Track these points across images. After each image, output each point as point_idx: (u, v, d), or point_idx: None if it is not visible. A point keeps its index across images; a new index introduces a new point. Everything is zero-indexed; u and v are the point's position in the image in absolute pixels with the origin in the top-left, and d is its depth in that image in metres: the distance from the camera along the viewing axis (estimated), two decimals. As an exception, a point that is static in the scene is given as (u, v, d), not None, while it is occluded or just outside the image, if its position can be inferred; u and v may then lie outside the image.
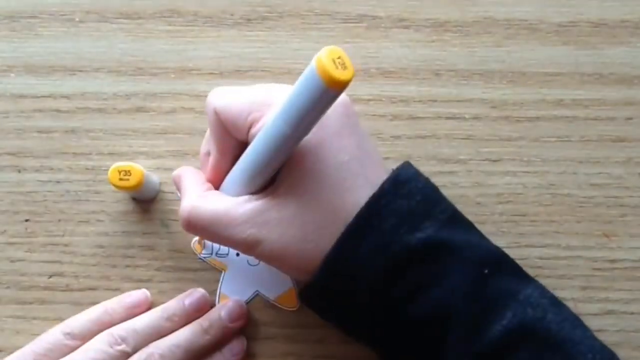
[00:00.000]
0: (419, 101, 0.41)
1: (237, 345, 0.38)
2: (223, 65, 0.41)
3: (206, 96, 0.33)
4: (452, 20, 0.41)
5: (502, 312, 0.30)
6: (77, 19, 0.42)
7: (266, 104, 0.31)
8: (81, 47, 0.41)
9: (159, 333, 0.36)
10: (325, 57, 0.26)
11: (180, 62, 0.41)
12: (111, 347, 0.35)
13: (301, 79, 0.27)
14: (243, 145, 0.32)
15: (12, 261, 0.40)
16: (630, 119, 0.40)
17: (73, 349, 0.36)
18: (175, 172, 0.36)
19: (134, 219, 0.40)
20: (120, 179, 0.37)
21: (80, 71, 0.41)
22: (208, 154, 0.35)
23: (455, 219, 0.32)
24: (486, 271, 0.31)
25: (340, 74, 0.26)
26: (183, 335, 0.36)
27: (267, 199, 0.31)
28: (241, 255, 0.39)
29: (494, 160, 0.40)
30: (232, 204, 0.32)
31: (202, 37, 0.41)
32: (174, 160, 0.40)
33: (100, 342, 0.35)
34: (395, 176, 0.31)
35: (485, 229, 0.34)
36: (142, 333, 0.36)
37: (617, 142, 0.40)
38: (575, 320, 0.31)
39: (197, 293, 0.38)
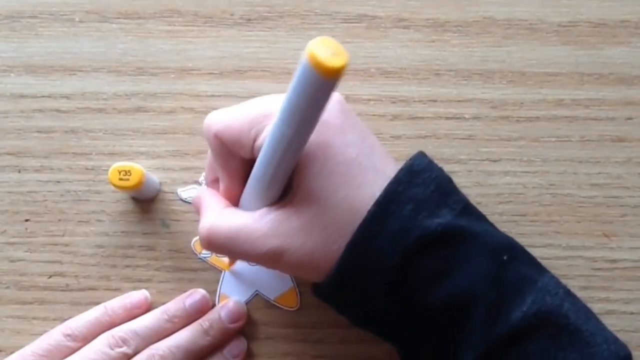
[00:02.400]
0: (419, 101, 0.41)
1: (237, 347, 0.38)
2: (223, 65, 0.41)
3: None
4: (452, 20, 0.41)
5: (522, 298, 0.30)
6: (77, 19, 0.41)
7: (265, 115, 0.30)
8: (81, 47, 0.41)
9: (160, 334, 0.36)
10: (316, 48, 0.25)
11: (180, 62, 0.41)
12: (112, 349, 0.35)
13: (295, 75, 0.27)
14: (249, 163, 0.32)
15: (12, 261, 0.40)
16: (630, 119, 0.40)
17: (73, 350, 0.36)
18: (194, 196, 0.36)
19: (134, 219, 0.40)
20: (120, 179, 0.37)
21: (80, 71, 0.41)
22: (215, 181, 0.34)
23: (469, 209, 0.32)
24: (505, 257, 0.31)
25: (334, 62, 0.25)
26: (183, 337, 0.36)
27: (285, 208, 0.31)
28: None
29: (494, 160, 0.40)
30: (250, 218, 0.31)
31: (202, 37, 0.41)
32: (174, 160, 0.40)
33: (100, 344, 0.35)
34: (410, 165, 0.31)
35: (485, 229, 0.34)
36: (142, 334, 0.36)
37: (617, 142, 0.40)
38: (588, 312, 0.32)
39: (197, 294, 0.38)
